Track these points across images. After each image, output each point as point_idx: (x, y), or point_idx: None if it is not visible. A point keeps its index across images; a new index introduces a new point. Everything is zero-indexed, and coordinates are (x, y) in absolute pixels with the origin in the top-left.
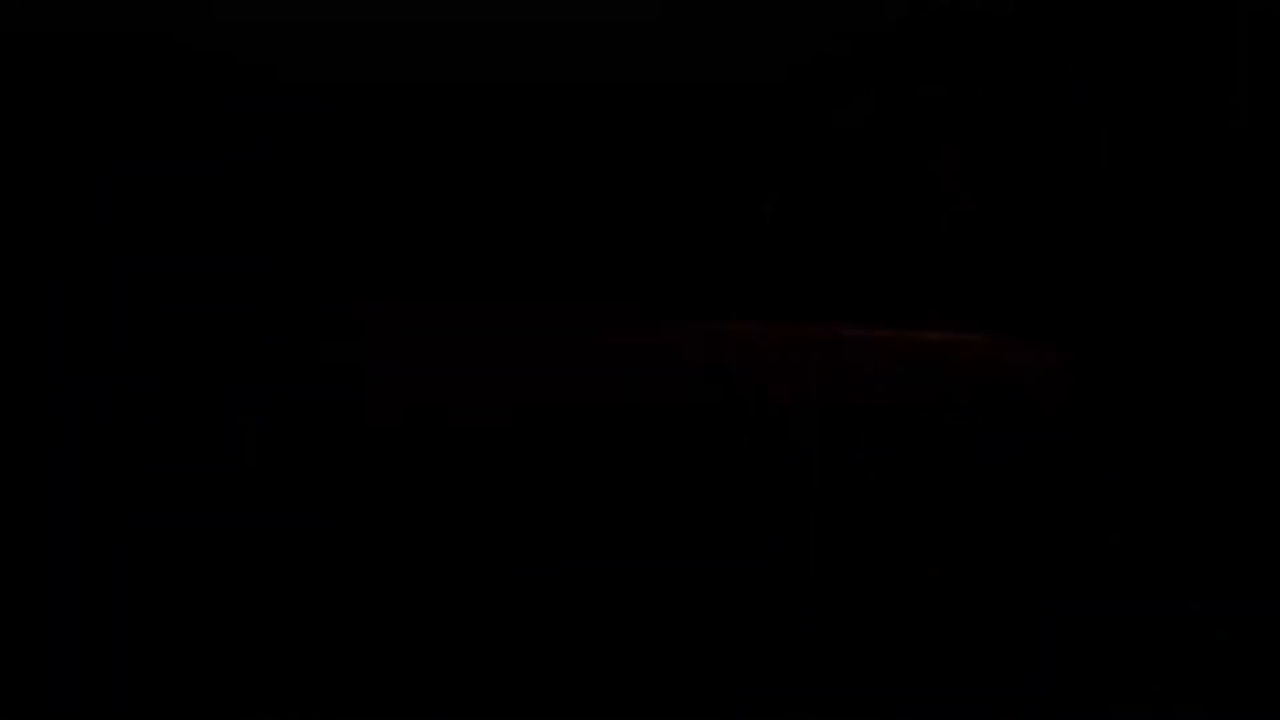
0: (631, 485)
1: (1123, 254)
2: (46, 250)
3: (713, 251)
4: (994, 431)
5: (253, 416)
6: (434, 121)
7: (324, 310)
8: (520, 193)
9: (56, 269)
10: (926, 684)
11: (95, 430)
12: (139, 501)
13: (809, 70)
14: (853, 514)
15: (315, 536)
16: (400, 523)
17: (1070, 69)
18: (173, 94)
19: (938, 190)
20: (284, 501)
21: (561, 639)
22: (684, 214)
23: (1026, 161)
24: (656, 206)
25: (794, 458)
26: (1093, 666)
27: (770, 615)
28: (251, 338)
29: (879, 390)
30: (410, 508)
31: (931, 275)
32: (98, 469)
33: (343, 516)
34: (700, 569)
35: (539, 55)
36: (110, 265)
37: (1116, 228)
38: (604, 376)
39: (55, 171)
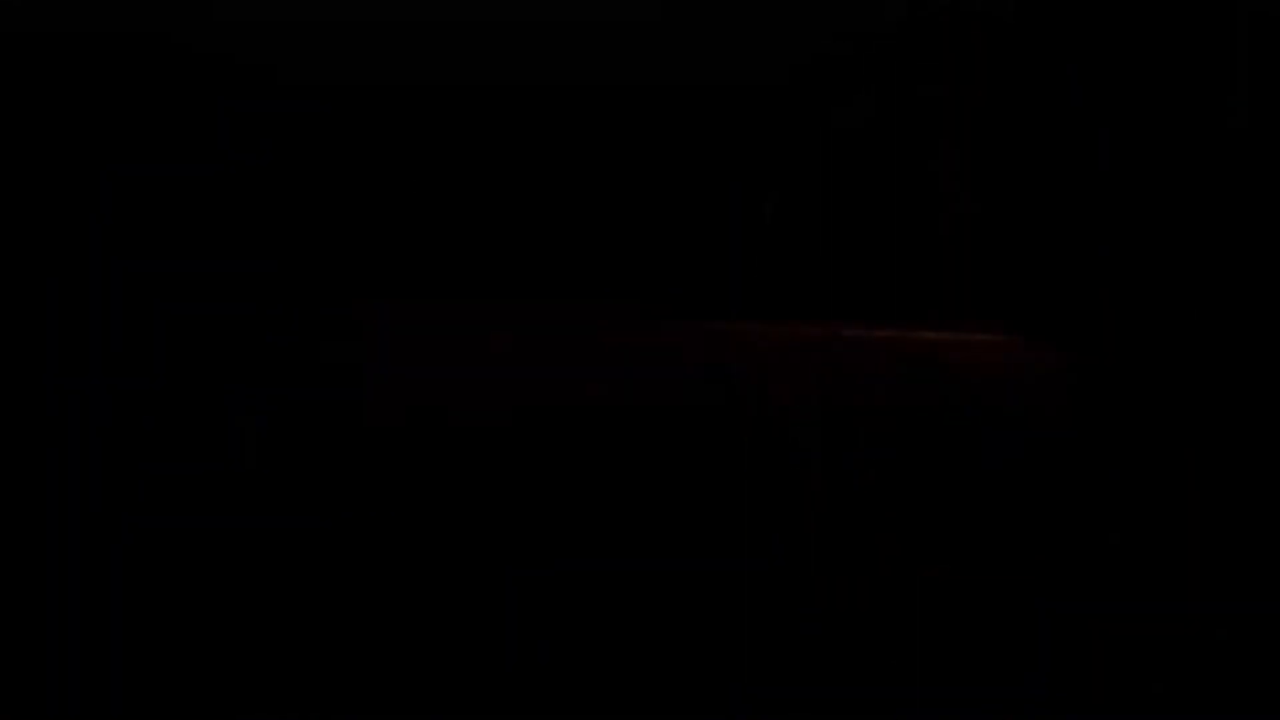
0: (631, 485)
1: (1123, 254)
2: (46, 250)
3: (713, 251)
4: (994, 431)
5: (253, 416)
6: (434, 121)
7: (324, 310)
8: (520, 193)
9: (56, 269)
10: (926, 684)
11: (95, 430)
12: (139, 501)
13: (809, 70)
14: (853, 514)
15: (315, 536)
16: (400, 523)
17: (1070, 69)
18: (173, 94)
19: (938, 190)
20: (284, 501)
21: (561, 639)
22: (684, 214)
23: (1026, 161)
24: (656, 206)
25: (794, 458)
26: (1093, 666)
27: (770, 615)
28: (251, 338)
29: (879, 390)
30: (410, 508)
31: (931, 275)
32: (98, 469)
33: (343, 516)
34: (700, 569)
35: (539, 55)
36: (110, 265)
37: (1116, 228)
38: (604, 376)
39: (55, 171)
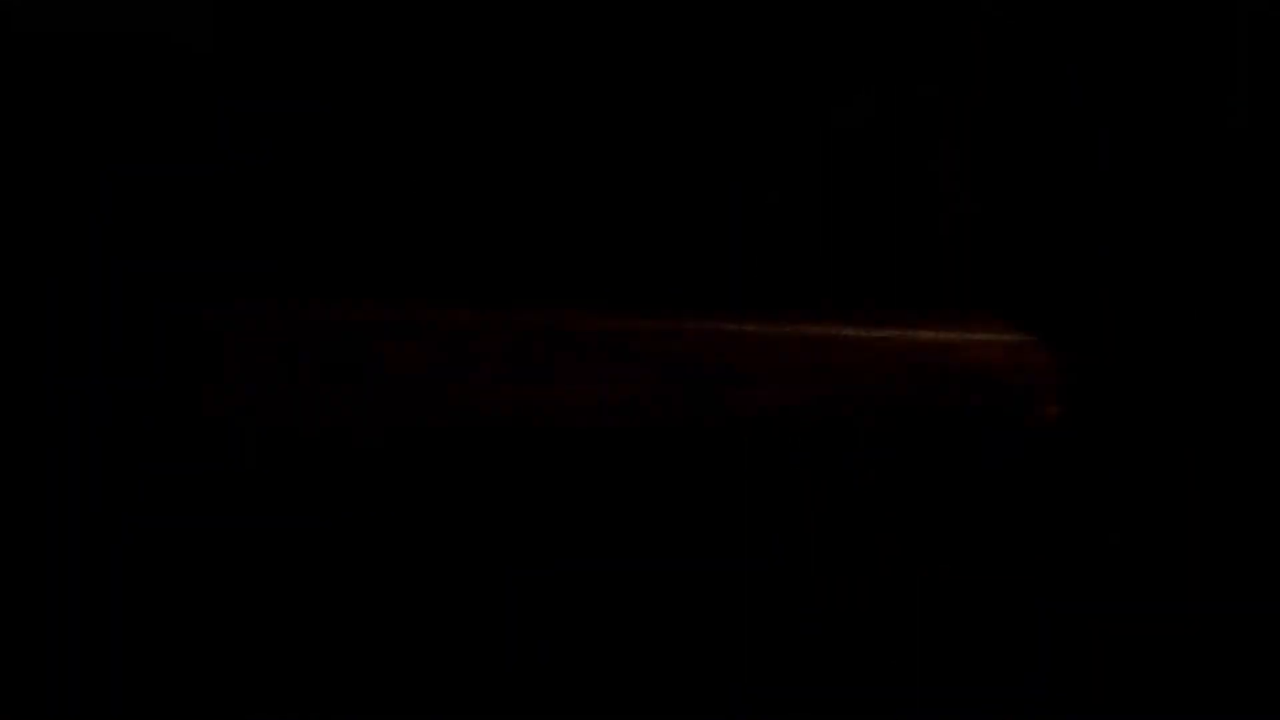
0: (630, 485)
1: (1123, 254)
2: (46, 250)
3: (712, 251)
4: (994, 431)
5: (255, 415)
6: (433, 121)
7: (322, 310)
8: (518, 193)
9: (56, 269)
10: (926, 684)
11: (95, 430)
12: (139, 501)
13: (809, 70)
14: (853, 514)
15: (315, 536)
16: (399, 523)
17: (1070, 69)
18: (173, 94)
19: (938, 190)
20: (284, 501)
21: (561, 639)
22: (683, 213)
23: (1026, 161)
24: (655, 206)
25: (794, 458)
26: (1093, 666)
27: (770, 615)
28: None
29: (879, 390)
30: (409, 508)
31: (931, 276)
32: (98, 469)
33: (343, 516)
34: (700, 569)
35: (535, 54)
36: (110, 265)
37: (1116, 228)
38: (601, 375)
39: (55, 171)
